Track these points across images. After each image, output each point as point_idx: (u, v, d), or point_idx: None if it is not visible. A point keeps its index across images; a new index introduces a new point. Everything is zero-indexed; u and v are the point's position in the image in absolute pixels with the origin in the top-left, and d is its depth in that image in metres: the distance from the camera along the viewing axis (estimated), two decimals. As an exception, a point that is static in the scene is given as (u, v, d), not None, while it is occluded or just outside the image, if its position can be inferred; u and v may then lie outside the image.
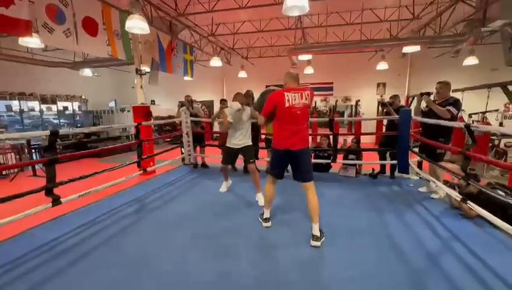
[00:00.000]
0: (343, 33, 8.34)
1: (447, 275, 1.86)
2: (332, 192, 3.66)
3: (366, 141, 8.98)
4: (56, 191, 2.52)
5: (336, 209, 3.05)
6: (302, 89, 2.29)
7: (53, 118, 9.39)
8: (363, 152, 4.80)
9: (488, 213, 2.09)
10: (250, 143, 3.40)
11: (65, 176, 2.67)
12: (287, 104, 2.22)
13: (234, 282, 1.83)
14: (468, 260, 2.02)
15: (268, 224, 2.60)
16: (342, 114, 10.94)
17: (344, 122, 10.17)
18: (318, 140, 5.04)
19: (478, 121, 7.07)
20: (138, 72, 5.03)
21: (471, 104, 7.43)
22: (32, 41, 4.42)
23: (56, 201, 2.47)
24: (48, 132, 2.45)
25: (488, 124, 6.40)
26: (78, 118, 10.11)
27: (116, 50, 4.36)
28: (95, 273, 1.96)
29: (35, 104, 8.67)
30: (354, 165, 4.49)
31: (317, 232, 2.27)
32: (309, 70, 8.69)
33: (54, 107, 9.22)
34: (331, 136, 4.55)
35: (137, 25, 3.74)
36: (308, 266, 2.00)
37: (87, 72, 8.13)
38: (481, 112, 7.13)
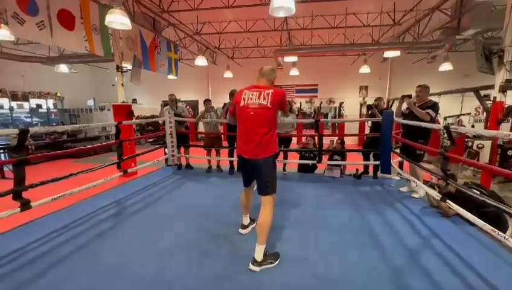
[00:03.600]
0: (328, 36, 8.52)
1: (426, 270, 1.92)
2: (318, 192, 3.69)
3: (349, 142, 9.20)
4: (26, 194, 2.33)
5: (320, 209, 3.07)
6: (264, 88, 1.99)
7: (25, 117, 8.81)
8: (347, 153, 4.90)
9: (466, 211, 2.18)
10: None
11: (38, 178, 2.48)
12: (242, 103, 2.00)
13: (217, 288, 1.77)
14: (445, 255, 2.10)
15: (243, 231, 2.45)
16: (326, 116, 11.16)
17: (328, 124, 10.37)
18: (304, 140, 5.09)
19: (453, 124, 7.47)
20: (119, 69, 4.82)
21: (446, 107, 7.85)
22: (0, 33, 4.10)
23: (25, 205, 2.28)
24: (16, 131, 2.25)
25: (464, 126, 6.78)
26: (53, 116, 9.55)
27: (93, 46, 4.14)
28: (66, 283, 1.81)
29: (4, 101, 8.09)
30: (339, 165, 4.57)
31: (259, 256, 1.94)
32: (294, 72, 8.78)
33: (25, 105, 8.65)
34: (316, 137, 4.61)
35: (118, 20, 3.58)
36: (291, 266, 1.99)
37: (63, 68, 7.70)
38: (455, 115, 7.55)
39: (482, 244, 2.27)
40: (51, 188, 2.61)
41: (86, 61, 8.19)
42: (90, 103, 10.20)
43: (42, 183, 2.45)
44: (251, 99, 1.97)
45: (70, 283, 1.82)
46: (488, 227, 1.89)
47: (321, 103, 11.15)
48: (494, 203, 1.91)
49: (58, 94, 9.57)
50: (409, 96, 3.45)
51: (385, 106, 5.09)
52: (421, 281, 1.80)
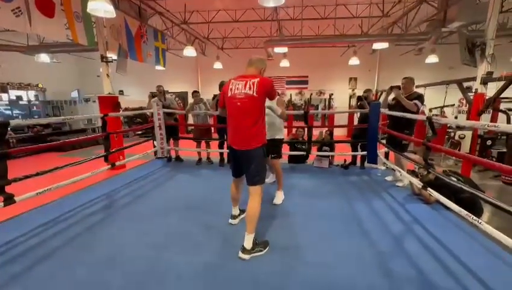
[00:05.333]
0: (318, 27, 8.48)
1: (408, 254, 2.03)
2: (307, 182, 3.77)
3: (339, 133, 9.35)
4: (9, 189, 2.27)
5: (309, 199, 3.15)
6: (250, 77, 1.96)
7: (4, 109, 8.40)
8: (335, 144, 4.99)
9: (445, 198, 2.30)
10: (277, 137, 3.06)
11: (22, 172, 2.41)
12: (229, 94, 1.98)
13: (209, 278, 1.81)
14: (426, 240, 2.23)
15: (233, 221, 2.50)
16: (316, 107, 11.23)
17: (318, 116, 10.46)
18: (294, 132, 5.14)
19: (437, 115, 7.70)
20: (104, 59, 4.65)
21: (431, 99, 8.05)
22: (-27, 20, 3.85)
23: (8, 200, 2.23)
24: (-5, 123, 2.18)
25: (446, 117, 7.00)
26: (34, 108, 9.15)
27: (76, 34, 3.97)
28: (57, 276, 1.81)
29: (-19, 93, 7.68)
30: (327, 156, 4.65)
31: (248, 244, 1.99)
32: (285, 63, 8.74)
33: (4, 97, 8.24)
34: (305, 129, 4.65)
35: (101, 7, 3.42)
36: (282, 253, 2.05)
37: (43, 57, 7.34)
38: (440, 107, 7.77)
39: (459, 228, 2.41)
40: (36, 183, 2.55)
41: (69, 51, 7.83)
42: (75, 94, 9.78)
43: (26, 177, 2.39)
44: (237, 89, 1.94)
45: (62, 275, 1.82)
46: (464, 212, 2.01)
47: (311, 94, 11.19)
48: (469, 190, 2.02)
49: (40, 85, 9.16)
50: (398, 87, 3.46)
51: (374, 98, 5.18)
52: (404, 265, 1.90)
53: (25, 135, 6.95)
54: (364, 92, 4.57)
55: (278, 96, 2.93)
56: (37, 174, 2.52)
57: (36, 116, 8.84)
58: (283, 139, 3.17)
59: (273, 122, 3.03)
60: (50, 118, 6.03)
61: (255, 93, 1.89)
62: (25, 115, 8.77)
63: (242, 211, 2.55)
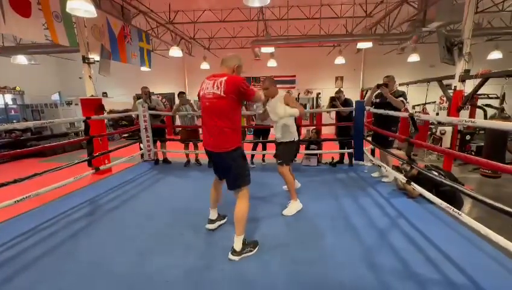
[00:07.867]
0: (304, 27, 8.57)
1: (394, 248, 2.09)
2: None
3: (327, 132, 9.48)
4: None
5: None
6: (219, 76, 1.87)
7: (-21, 114, 8.00)
8: (323, 142, 5.07)
9: (427, 192, 2.39)
10: (288, 140, 2.81)
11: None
12: (201, 93, 1.95)
13: (198, 280, 1.79)
14: (410, 233, 2.30)
15: (210, 226, 2.38)
16: (304, 106, 11.35)
17: (306, 115, 10.57)
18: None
19: (419, 112, 7.95)
20: (85, 60, 4.51)
21: (414, 96, 8.31)
22: None
23: (-16, 209, 2.12)
24: (-32, 129, 2.06)
25: (428, 114, 7.25)
26: (12, 113, 8.75)
27: (56, 35, 3.83)
28: (38, 287, 1.73)
29: (-47, 97, 7.26)
30: (315, 154, 4.72)
31: (238, 246, 1.96)
32: (272, 63, 8.77)
33: (-21, 101, 7.84)
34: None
35: (81, 6, 3.31)
36: (271, 253, 2.06)
37: (20, 59, 7.02)
38: (422, 104, 8.04)
39: (441, 220, 2.51)
40: (15, 190, 2.44)
41: (48, 52, 7.52)
42: (55, 97, 9.45)
43: (2, 185, 2.28)
44: (207, 88, 1.88)
45: (43, 287, 1.74)
46: (444, 205, 2.09)
47: (299, 94, 11.29)
48: (448, 183, 2.10)
49: (17, 88, 8.76)
50: (386, 85, 3.49)
51: (359, 96, 5.28)
52: (390, 258, 1.96)
53: (3, 140, 6.63)
54: (336, 92, 4.66)
55: (286, 94, 2.74)
56: (15, 181, 2.41)
57: (14, 121, 8.46)
58: (293, 141, 2.84)
59: (284, 125, 2.78)
60: (28, 122, 5.76)
61: (222, 93, 1.81)
62: (2, 119, 8.38)
63: (223, 217, 2.50)
